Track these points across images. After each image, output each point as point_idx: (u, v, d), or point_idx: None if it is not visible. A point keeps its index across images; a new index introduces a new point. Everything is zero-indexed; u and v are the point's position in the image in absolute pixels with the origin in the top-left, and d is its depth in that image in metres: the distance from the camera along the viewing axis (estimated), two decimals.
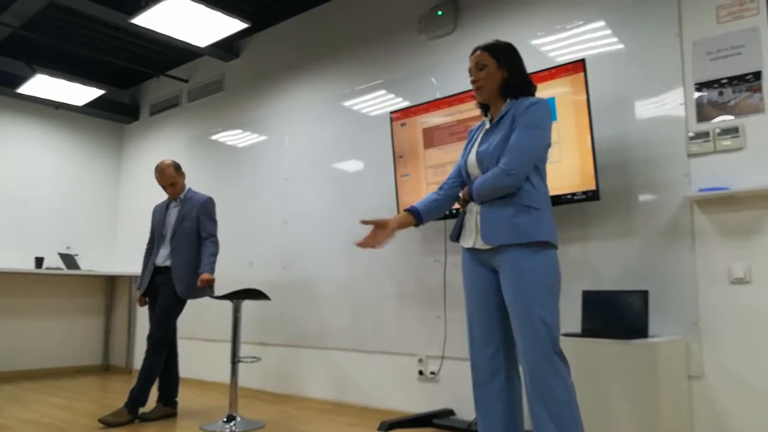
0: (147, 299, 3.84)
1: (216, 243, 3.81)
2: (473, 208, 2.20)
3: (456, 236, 2.29)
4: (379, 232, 2.25)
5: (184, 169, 3.95)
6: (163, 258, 3.79)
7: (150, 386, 3.58)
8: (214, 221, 3.86)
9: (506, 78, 2.20)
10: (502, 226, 2.08)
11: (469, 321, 2.24)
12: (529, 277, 2.03)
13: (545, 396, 1.97)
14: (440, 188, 2.35)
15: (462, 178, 2.32)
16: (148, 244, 3.98)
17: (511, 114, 2.15)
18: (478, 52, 2.23)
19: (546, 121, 2.14)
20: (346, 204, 4.29)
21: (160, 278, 3.75)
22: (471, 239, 2.20)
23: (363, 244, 2.26)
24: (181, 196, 3.89)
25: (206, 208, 3.86)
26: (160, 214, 3.93)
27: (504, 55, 2.21)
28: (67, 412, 3.83)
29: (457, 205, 2.34)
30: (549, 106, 2.16)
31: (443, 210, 2.34)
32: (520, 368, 2.10)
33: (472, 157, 2.24)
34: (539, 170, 2.16)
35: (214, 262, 3.73)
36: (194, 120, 5.79)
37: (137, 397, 3.52)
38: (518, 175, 2.06)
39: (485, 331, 2.18)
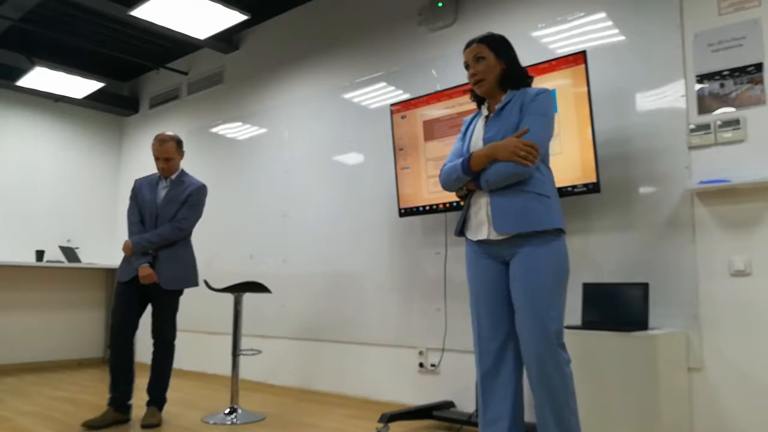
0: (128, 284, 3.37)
1: (178, 230, 3.37)
2: (480, 200, 2.18)
3: (460, 230, 2.27)
4: None
5: (180, 161, 3.55)
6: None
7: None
8: (195, 210, 3.46)
9: (505, 70, 2.21)
10: (515, 215, 2.07)
11: (475, 314, 2.23)
12: (541, 273, 2.04)
13: (547, 387, 2.00)
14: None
15: None
16: (135, 218, 3.45)
17: (518, 103, 2.14)
18: (475, 44, 2.22)
19: (552, 110, 2.15)
20: (347, 196, 4.29)
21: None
22: (483, 231, 2.17)
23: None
24: (173, 176, 3.50)
25: (196, 195, 3.47)
26: (149, 192, 3.48)
27: (501, 47, 2.22)
28: (68, 404, 3.85)
29: (456, 197, 2.32)
30: (553, 95, 2.17)
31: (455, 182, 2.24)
32: (524, 359, 2.10)
33: (478, 144, 2.21)
34: (544, 159, 2.16)
35: (151, 243, 3.31)
36: (194, 113, 5.78)
37: (161, 396, 3.47)
38: (533, 163, 2.05)
39: (492, 324, 2.17)
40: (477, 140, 2.23)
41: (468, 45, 2.25)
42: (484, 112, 2.28)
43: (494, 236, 2.13)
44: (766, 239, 2.58)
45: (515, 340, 2.16)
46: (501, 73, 2.20)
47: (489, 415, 2.18)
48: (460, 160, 2.19)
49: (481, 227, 2.18)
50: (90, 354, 6.12)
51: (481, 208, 2.18)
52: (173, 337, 3.52)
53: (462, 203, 2.30)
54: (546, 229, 2.05)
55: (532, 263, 2.05)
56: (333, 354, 4.26)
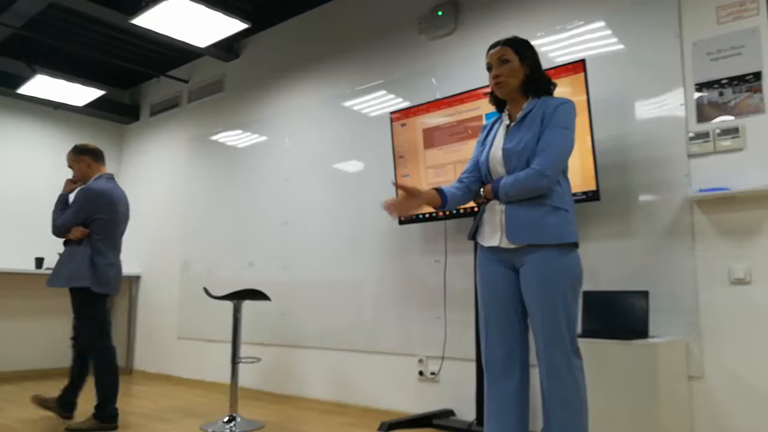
0: None
1: (53, 224, 3.43)
2: (495, 207, 2.16)
3: (473, 235, 2.26)
4: (408, 200, 2.15)
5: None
6: None
7: (108, 390, 3.36)
8: (72, 208, 3.42)
9: (528, 75, 2.18)
10: (529, 227, 2.06)
11: (484, 320, 2.21)
12: (554, 277, 2.03)
13: (560, 393, 2.01)
14: (459, 180, 2.30)
15: (479, 172, 2.27)
16: None
17: (540, 112, 2.11)
18: (500, 47, 2.20)
19: (574, 122, 2.13)
20: (347, 204, 4.29)
21: None
22: (495, 238, 2.16)
23: (389, 207, 2.14)
24: (84, 185, 3.55)
25: (77, 195, 3.47)
26: None
27: (526, 52, 2.19)
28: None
29: (472, 203, 2.32)
30: (575, 107, 2.14)
31: (464, 202, 2.28)
32: (538, 365, 2.09)
33: (497, 152, 2.18)
34: (563, 171, 2.14)
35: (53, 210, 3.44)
36: (194, 120, 5.79)
37: (99, 407, 3.34)
38: (553, 177, 2.04)
39: (501, 330, 2.16)
40: (497, 149, 2.19)
41: (493, 46, 2.22)
42: (506, 120, 2.24)
43: (506, 244, 2.12)
44: (765, 247, 2.58)
45: (523, 349, 2.15)
46: (524, 79, 2.18)
47: (494, 424, 2.16)
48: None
49: (494, 234, 2.16)
50: None
51: (496, 215, 2.16)
52: (88, 344, 3.40)
53: (477, 210, 2.29)
54: (560, 243, 2.04)
55: (546, 270, 2.04)
56: (332, 362, 4.25)
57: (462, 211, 3.36)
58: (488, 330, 2.19)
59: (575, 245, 2.08)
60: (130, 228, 6.33)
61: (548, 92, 2.21)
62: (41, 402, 3.58)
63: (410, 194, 2.14)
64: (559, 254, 2.04)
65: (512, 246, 2.10)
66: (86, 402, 3.54)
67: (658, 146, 2.89)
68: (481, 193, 2.22)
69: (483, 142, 2.31)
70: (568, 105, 2.12)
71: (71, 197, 3.58)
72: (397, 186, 2.18)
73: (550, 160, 2.04)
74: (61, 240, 3.54)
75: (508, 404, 2.14)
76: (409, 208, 2.16)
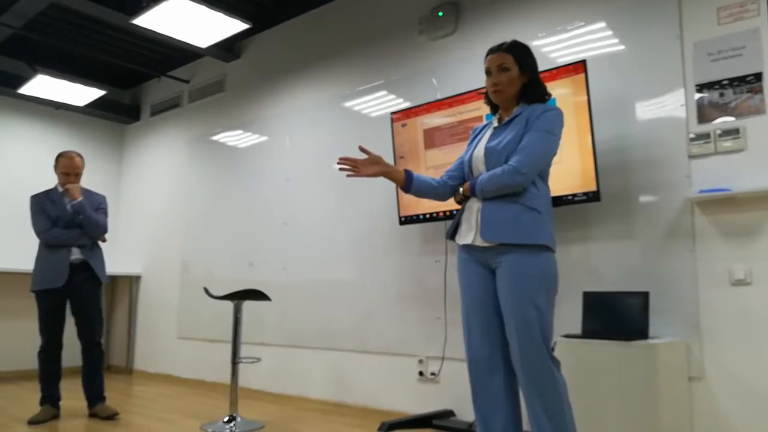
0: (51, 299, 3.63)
1: (104, 227, 3.80)
2: (473, 206, 2.19)
3: (452, 234, 2.28)
4: (368, 164, 2.29)
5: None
6: (75, 254, 3.68)
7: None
8: (106, 216, 3.91)
9: (525, 84, 2.20)
10: (502, 225, 2.08)
11: (465, 320, 2.22)
12: (527, 280, 2.04)
13: (539, 396, 2.00)
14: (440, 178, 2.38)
15: (461, 172, 2.32)
16: (49, 224, 3.69)
17: (525, 116, 2.14)
18: (501, 53, 2.20)
19: (559, 129, 2.15)
20: (347, 205, 4.29)
21: (78, 277, 3.65)
22: (470, 236, 2.18)
23: (345, 161, 2.29)
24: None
25: (105, 204, 3.94)
26: (58, 207, 3.71)
27: (526, 60, 2.21)
28: (67, 412, 3.83)
29: (454, 203, 2.34)
30: (563, 115, 2.17)
31: (433, 194, 2.35)
32: (515, 370, 2.10)
33: (479, 152, 2.22)
34: (542, 175, 2.16)
35: (90, 218, 3.68)
36: (195, 121, 5.79)
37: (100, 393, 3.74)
38: (528, 175, 2.06)
39: (482, 330, 2.17)
40: (480, 148, 2.24)
41: (494, 50, 2.22)
42: (495, 123, 2.28)
43: (479, 242, 2.14)
44: (766, 248, 2.58)
45: (505, 347, 2.15)
46: (521, 87, 2.20)
47: (483, 424, 2.16)
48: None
49: (470, 232, 2.19)
50: None
51: (473, 213, 2.19)
52: (100, 336, 3.78)
53: (459, 207, 2.31)
54: (532, 243, 2.05)
55: (516, 271, 2.05)
56: (332, 362, 4.25)
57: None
58: (470, 330, 2.21)
59: (546, 248, 2.08)
60: (133, 228, 6.37)
61: (541, 100, 2.22)
62: (37, 421, 3.53)
63: (372, 160, 2.28)
64: (531, 256, 2.05)
65: (486, 244, 2.12)
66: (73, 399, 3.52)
67: (659, 147, 2.89)
68: (460, 190, 2.25)
69: (470, 144, 2.35)
70: (555, 111, 2.14)
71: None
72: (362, 150, 2.30)
73: (527, 159, 2.06)
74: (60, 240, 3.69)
75: (496, 403, 2.14)
76: (367, 172, 2.27)
